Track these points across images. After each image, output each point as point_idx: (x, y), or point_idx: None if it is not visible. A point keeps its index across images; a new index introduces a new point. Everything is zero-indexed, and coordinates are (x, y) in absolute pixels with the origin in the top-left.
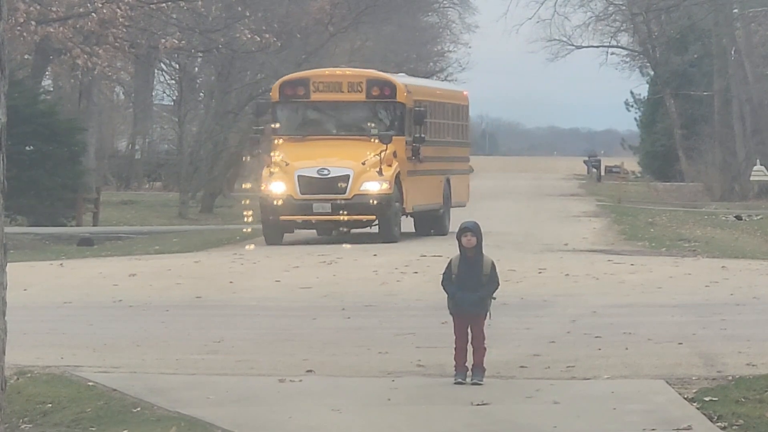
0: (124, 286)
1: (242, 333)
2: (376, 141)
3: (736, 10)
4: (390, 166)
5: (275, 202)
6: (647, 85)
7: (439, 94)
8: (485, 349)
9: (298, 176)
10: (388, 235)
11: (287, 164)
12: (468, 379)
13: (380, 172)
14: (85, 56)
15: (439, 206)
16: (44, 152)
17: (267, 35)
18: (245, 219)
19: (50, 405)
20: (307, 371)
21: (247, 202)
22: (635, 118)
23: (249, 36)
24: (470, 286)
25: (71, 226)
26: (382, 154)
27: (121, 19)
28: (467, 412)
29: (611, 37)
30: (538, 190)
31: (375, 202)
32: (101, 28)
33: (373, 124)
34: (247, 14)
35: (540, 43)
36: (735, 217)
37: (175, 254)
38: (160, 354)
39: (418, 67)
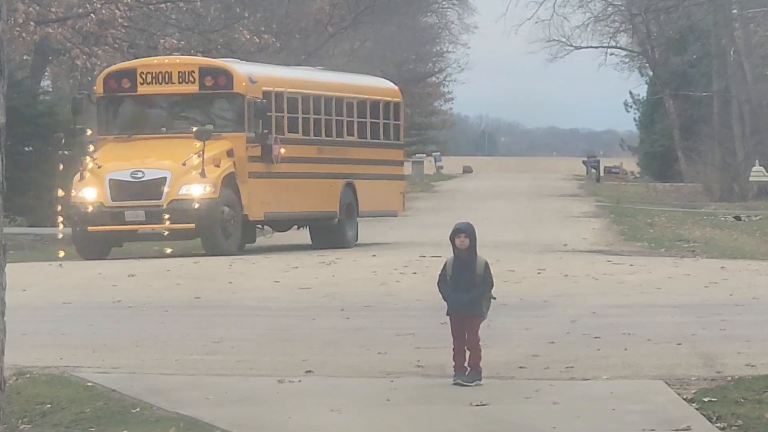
0: (123, 286)
1: (242, 333)
2: (204, 139)
3: (735, 11)
4: (218, 166)
5: (84, 211)
6: (646, 86)
7: (330, 86)
8: (481, 350)
9: (110, 180)
10: (213, 246)
11: (99, 167)
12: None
13: (203, 174)
14: (84, 57)
15: (332, 214)
16: (44, 153)
17: (266, 36)
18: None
19: (49, 405)
20: (307, 372)
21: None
22: (634, 119)
23: (248, 37)
24: (463, 287)
25: None
26: (206, 154)
27: (120, 20)
28: (466, 413)
29: (610, 37)
30: (537, 191)
31: (196, 207)
32: (100, 29)
33: (206, 120)
34: (246, 15)
35: (539, 43)
36: (734, 217)
37: (174, 255)
38: (160, 354)
39: (417, 68)
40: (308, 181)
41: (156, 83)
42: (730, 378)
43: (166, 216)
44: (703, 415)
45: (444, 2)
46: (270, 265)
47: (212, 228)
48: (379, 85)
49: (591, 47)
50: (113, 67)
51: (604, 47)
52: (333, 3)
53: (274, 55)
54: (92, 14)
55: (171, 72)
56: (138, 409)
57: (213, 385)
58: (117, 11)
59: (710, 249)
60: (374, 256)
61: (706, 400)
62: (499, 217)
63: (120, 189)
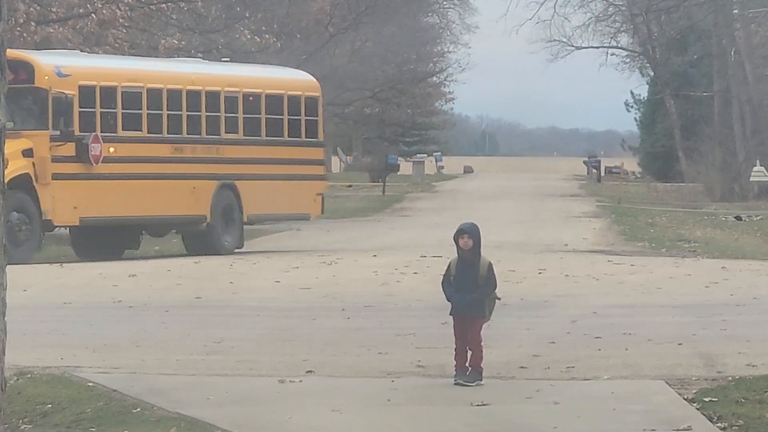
0: (123, 286)
1: (242, 333)
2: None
3: (736, 11)
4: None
5: None
6: (647, 86)
7: (203, 80)
8: (482, 350)
9: None
10: None
11: None
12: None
13: None
14: None
15: (197, 218)
16: None
17: (267, 36)
18: None
19: (50, 406)
20: (307, 372)
21: None
22: (635, 119)
23: (249, 37)
24: (467, 288)
25: None
26: None
27: (120, 20)
28: (467, 413)
29: (611, 37)
30: (538, 191)
31: None
32: (101, 29)
33: (6, 116)
34: (247, 15)
35: (540, 43)
36: (735, 217)
37: (175, 255)
38: (160, 354)
39: (418, 68)
40: (156, 182)
41: None
42: (730, 378)
43: None
44: (704, 415)
45: (445, 2)
46: (270, 265)
47: None
48: (287, 77)
49: (592, 47)
50: None
51: (604, 47)
52: (334, 3)
53: (275, 55)
54: (93, 14)
55: None
56: (139, 410)
57: (213, 385)
58: (118, 11)
59: (711, 249)
60: (375, 256)
61: (706, 400)
62: (500, 217)
63: None
